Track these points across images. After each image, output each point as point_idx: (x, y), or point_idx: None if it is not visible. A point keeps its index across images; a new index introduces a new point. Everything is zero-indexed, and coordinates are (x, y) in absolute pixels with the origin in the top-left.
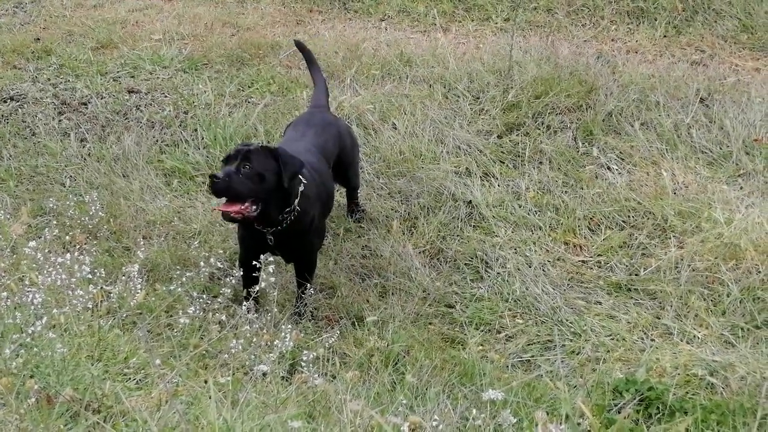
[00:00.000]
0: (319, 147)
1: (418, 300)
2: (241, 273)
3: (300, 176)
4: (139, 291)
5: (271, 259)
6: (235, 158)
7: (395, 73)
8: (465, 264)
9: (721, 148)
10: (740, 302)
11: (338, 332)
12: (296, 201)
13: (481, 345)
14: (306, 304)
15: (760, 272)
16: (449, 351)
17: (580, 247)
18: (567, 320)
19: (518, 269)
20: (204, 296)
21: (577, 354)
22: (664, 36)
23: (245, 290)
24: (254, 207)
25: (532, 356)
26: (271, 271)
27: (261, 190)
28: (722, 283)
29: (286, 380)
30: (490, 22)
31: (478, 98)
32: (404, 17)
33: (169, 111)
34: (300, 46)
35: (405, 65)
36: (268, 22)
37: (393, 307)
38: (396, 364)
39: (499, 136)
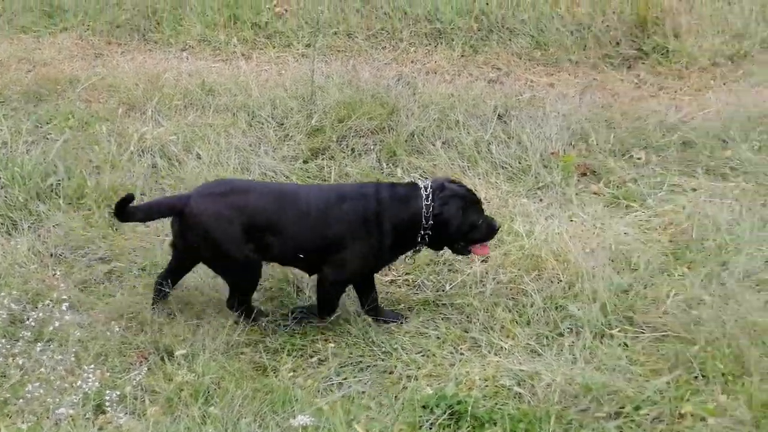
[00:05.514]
0: None
1: (228, 329)
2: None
3: None
4: None
5: None
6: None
7: (198, 102)
8: (280, 289)
9: (520, 163)
10: (543, 311)
11: (146, 368)
12: None
13: (294, 371)
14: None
15: (561, 281)
16: (261, 379)
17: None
18: (378, 340)
19: None
20: (3, 341)
21: (390, 373)
22: (462, 56)
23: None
24: None
25: (345, 378)
26: None
27: None
28: (526, 293)
29: (91, 422)
30: (292, 48)
31: (282, 124)
32: (205, 46)
33: None
34: None
35: (208, 94)
36: (65, 56)
37: (204, 339)
38: (207, 396)
39: (305, 161)
